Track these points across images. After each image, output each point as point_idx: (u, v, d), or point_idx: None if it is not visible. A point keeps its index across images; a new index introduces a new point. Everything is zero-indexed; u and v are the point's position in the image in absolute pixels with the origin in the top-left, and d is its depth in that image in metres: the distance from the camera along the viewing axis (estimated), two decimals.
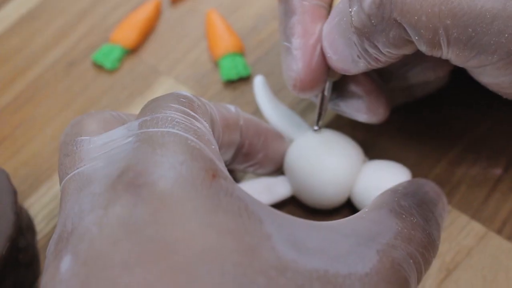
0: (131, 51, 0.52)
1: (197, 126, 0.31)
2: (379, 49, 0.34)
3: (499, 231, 0.41)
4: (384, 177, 0.39)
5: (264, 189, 0.41)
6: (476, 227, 0.41)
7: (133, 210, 0.27)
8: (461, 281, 0.39)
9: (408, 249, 0.30)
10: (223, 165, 0.31)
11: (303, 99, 0.47)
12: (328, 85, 0.39)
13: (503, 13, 0.31)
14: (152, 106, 0.32)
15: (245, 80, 0.49)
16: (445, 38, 0.32)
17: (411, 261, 0.30)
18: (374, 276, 0.28)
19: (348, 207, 0.42)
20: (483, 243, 0.40)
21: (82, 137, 0.33)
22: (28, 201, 0.45)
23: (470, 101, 0.46)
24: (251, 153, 0.39)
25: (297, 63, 0.37)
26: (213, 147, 0.31)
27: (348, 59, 0.36)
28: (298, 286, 0.27)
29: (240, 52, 0.50)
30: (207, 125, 0.33)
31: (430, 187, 0.35)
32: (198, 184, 0.28)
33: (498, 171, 0.43)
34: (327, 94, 0.40)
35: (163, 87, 0.50)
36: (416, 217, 0.32)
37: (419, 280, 0.31)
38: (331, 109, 0.42)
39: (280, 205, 0.42)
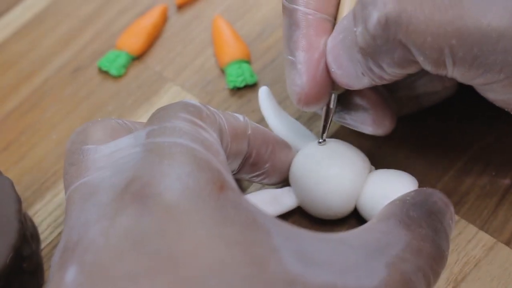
0: (137, 57, 0.52)
1: (205, 137, 0.31)
2: (383, 68, 0.34)
3: (508, 242, 0.40)
4: (391, 186, 0.39)
5: (270, 200, 0.41)
6: (485, 238, 0.41)
7: (139, 221, 0.27)
8: None
9: (417, 262, 0.30)
10: (231, 175, 0.30)
11: None
12: (333, 98, 0.39)
13: (509, 32, 0.30)
14: (160, 115, 0.32)
15: (251, 87, 0.49)
16: (450, 59, 0.32)
17: (421, 274, 0.30)
18: None
19: (354, 217, 0.41)
20: (492, 255, 0.40)
21: (88, 146, 0.33)
22: (33, 209, 0.45)
23: (478, 111, 0.45)
24: (258, 163, 0.39)
25: (302, 78, 0.37)
26: (221, 157, 0.31)
27: (352, 75, 0.36)
28: None
29: (247, 59, 0.50)
30: (215, 135, 0.32)
31: (438, 197, 0.35)
32: (205, 195, 0.28)
33: (506, 181, 0.43)
34: (332, 106, 0.40)
35: (169, 93, 0.50)
36: (425, 228, 0.32)
37: None
38: (336, 121, 0.42)
39: (286, 216, 0.41)
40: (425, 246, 0.31)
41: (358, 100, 0.40)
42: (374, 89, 0.40)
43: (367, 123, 0.40)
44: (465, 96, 0.46)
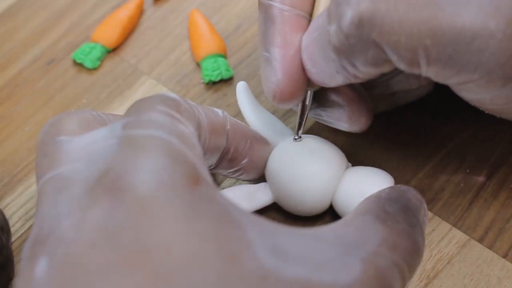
0: (112, 50, 0.52)
1: (182, 130, 0.30)
2: (357, 67, 0.34)
3: (481, 240, 0.40)
4: (367, 183, 0.39)
5: (245, 196, 0.41)
6: (458, 235, 0.41)
7: (112, 214, 0.26)
8: None
9: (393, 257, 0.30)
10: (206, 170, 0.30)
11: None
12: (309, 95, 0.39)
13: (483, 32, 0.30)
14: (137, 107, 0.31)
15: (227, 81, 0.49)
16: (424, 58, 0.32)
17: (396, 269, 0.29)
18: (357, 286, 0.28)
19: (330, 214, 0.41)
20: (465, 252, 0.40)
21: (62, 137, 0.32)
22: (4, 201, 0.44)
23: (453, 108, 0.45)
24: (236, 158, 0.39)
25: (277, 74, 0.37)
26: (197, 151, 0.30)
27: (327, 73, 0.36)
28: None
29: (223, 54, 0.50)
30: (192, 129, 0.32)
31: (412, 194, 0.35)
32: (179, 189, 0.27)
33: (481, 179, 0.43)
34: (307, 103, 0.39)
35: (144, 87, 0.49)
36: (401, 223, 0.32)
37: (403, 287, 0.30)
38: (312, 118, 0.42)
39: (261, 212, 0.41)
40: (401, 241, 0.31)
41: (334, 97, 0.39)
42: (350, 86, 0.39)
43: (343, 119, 0.40)
44: (441, 94, 0.46)
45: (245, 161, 0.39)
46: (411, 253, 0.31)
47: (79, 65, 0.51)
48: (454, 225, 0.41)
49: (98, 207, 0.27)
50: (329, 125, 0.41)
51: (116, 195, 0.27)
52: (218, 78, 0.48)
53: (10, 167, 0.46)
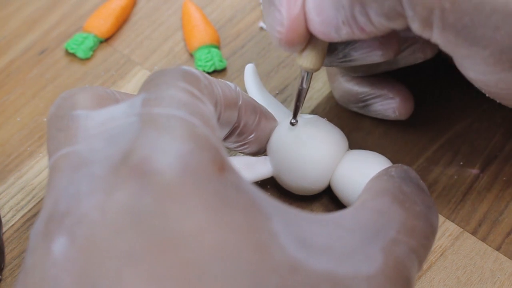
0: (105, 40, 0.51)
1: (203, 110, 0.29)
2: (369, 17, 0.33)
3: (474, 232, 0.40)
4: (367, 165, 0.39)
5: (245, 166, 0.41)
6: (451, 227, 0.41)
7: (138, 199, 0.26)
8: (435, 281, 0.39)
9: (411, 243, 0.30)
10: (226, 152, 0.29)
11: (284, 87, 0.48)
12: (306, 77, 0.39)
13: (504, 9, 0.30)
14: (156, 82, 0.30)
15: (220, 72, 0.49)
16: (439, 21, 0.31)
17: (414, 255, 0.30)
18: (379, 276, 0.28)
19: (327, 195, 0.42)
20: (458, 244, 0.40)
21: (78, 111, 0.31)
22: None
23: (448, 101, 0.45)
24: (244, 133, 0.39)
25: (282, 19, 0.36)
26: (217, 133, 0.29)
27: (331, 23, 0.35)
28: (310, 286, 0.26)
29: (216, 44, 0.50)
30: (212, 108, 0.31)
31: (415, 173, 0.35)
32: (207, 176, 0.27)
33: (474, 171, 0.43)
34: (305, 86, 0.39)
35: (137, 77, 0.49)
36: (419, 205, 0.32)
37: (419, 269, 0.31)
38: (341, 66, 0.41)
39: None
40: (418, 224, 0.31)
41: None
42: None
43: (375, 47, 0.38)
44: (436, 86, 0.46)
45: (252, 136, 0.39)
46: (428, 235, 0.31)
47: (71, 55, 0.51)
48: (448, 217, 0.41)
49: (123, 189, 0.26)
50: (361, 63, 0.39)
51: (141, 179, 0.26)
52: (212, 69, 0.48)
53: (1, 157, 0.46)
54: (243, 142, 0.39)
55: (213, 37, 0.50)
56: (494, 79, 0.33)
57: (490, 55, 0.31)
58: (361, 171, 0.38)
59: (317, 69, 0.39)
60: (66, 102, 0.32)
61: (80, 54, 0.50)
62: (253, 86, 0.44)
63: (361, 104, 0.44)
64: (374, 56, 0.38)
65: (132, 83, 0.49)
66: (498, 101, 0.36)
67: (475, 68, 0.33)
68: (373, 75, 0.43)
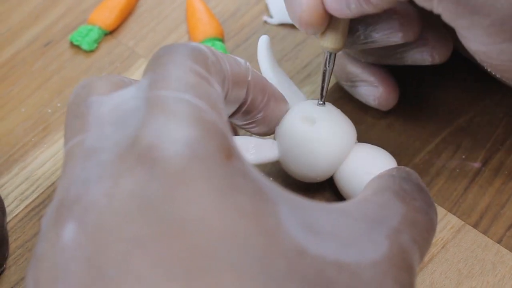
0: (110, 32, 0.51)
1: (210, 92, 0.29)
2: None
3: (476, 225, 0.41)
4: (373, 161, 0.39)
5: (251, 147, 0.40)
6: (453, 220, 0.41)
7: (146, 185, 0.26)
8: (436, 274, 0.39)
9: (412, 234, 0.30)
10: (232, 137, 0.29)
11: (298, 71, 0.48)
12: (328, 57, 0.40)
13: None
14: (164, 61, 0.30)
15: None
16: None
17: (416, 246, 0.30)
18: (385, 262, 0.28)
19: (330, 189, 0.42)
20: (459, 237, 0.40)
21: (93, 98, 0.31)
22: (0, 181, 0.44)
23: (450, 93, 0.45)
24: (251, 111, 0.38)
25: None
26: (223, 117, 0.29)
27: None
28: (317, 270, 0.26)
29: (220, 37, 0.50)
30: (219, 88, 0.31)
31: (416, 175, 0.35)
32: (214, 164, 0.27)
33: (476, 165, 0.43)
34: (328, 67, 0.40)
35: (141, 69, 0.49)
36: (419, 201, 0.32)
37: (420, 261, 0.31)
38: (362, 48, 0.41)
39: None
40: (419, 218, 0.31)
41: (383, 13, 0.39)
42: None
43: (395, 28, 0.39)
44: (439, 81, 0.46)
45: (260, 115, 0.39)
46: (428, 230, 0.31)
47: (76, 47, 0.51)
48: (450, 210, 0.41)
49: (130, 176, 0.26)
50: (380, 45, 0.40)
51: (149, 166, 0.26)
52: None
53: (6, 147, 0.46)
54: (250, 121, 0.39)
55: (217, 30, 0.50)
56: (496, 50, 0.33)
57: (490, 24, 0.32)
58: (367, 169, 0.38)
59: (339, 49, 0.39)
60: (83, 90, 0.32)
61: (85, 46, 0.50)
62: (266, 62, 0.42)
63: (349, 83, 0.45)
64: (395, 38, 0.39)
65: (137, 75, 0.49)
66: (499, 76, 0.36)
67: (477, 39, 0.33)
68: (370, 63, 0.43)
